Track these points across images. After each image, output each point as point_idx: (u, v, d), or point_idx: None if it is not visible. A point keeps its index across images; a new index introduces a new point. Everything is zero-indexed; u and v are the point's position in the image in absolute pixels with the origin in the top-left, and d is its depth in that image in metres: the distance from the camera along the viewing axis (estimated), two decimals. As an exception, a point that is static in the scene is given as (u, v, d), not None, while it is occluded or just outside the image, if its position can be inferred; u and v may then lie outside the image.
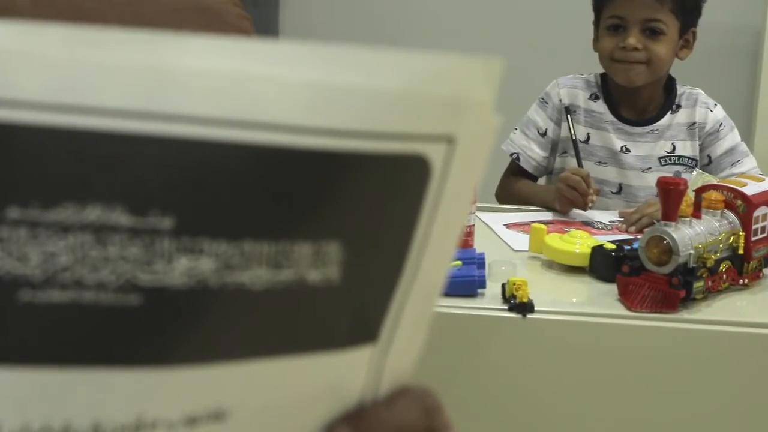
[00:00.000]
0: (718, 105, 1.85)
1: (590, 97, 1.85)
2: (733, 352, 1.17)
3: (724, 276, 1.24)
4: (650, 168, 1.83)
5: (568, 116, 1.82)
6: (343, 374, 0.29)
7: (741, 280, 1.27)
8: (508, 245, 1.49)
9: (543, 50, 2.89)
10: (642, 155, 1.83)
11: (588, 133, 1.84)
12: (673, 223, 1.17)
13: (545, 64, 2.52)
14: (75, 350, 0.23)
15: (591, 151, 1.84)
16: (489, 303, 1.20)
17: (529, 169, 1.89)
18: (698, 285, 1.17)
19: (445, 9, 3.09)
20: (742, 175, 1.60)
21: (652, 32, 1.72)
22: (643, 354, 1.18)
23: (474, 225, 1.39)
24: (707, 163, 1.83)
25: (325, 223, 0.25)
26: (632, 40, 1.72)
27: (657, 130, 1.83)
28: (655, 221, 1.54)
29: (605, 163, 1.84)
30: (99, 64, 0.21)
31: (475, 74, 0.27)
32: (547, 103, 1.88)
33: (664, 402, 1.17)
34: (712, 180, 1.54)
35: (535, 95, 1.92)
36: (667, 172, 1.81)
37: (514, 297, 1.18)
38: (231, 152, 0.23)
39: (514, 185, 1.90)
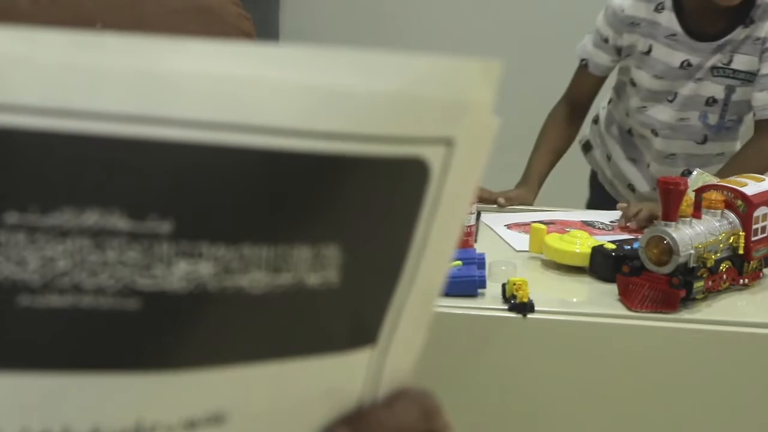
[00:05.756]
0: None
1: (655, 9, 1.76)
2: (733, 352, 1.17)
3: (724, 276, 1.24)
4: (701, 78, 1.75)
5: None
6: (342, 377, 0.29)
7: (741, 280, 1.27)
8: (511, 246, 1.49)
9: (541, 53, 2.89)
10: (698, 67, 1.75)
11: (650, 45, 1.78)
12: (674, 223, 1.17)
13: (543, 67, 2.52)
14: (74, 355, 0.23)
15: (651, 64, 1.79)
16: (489, 303, 1.20)
17: (598, 73, 1.87)
18: (698, 285, 1.17)
19: (444, 10, 3.09)
20: (741, 174, 1.60)
21: None
22: (643, 354, 1.18)
23: (474, 225, 1.39)
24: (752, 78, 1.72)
25: (324, 227, 0.25)
26: None
27: (723, 44, 1.72)
28: (653, 216, 1.54)
29: (662, 77, 1.78)
30: (95, 69, 0.21)
31: (474, 76, 0.26)
32: (609, 9, 1.81)
33: (664, 402, 1.17)
34: (712, 180, 1.54)
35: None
36: (719, 84, 1.74)
37: (514, 297, 1.18)
38: (229, 156, 0.23)
39: (546, 129, 1.89)
